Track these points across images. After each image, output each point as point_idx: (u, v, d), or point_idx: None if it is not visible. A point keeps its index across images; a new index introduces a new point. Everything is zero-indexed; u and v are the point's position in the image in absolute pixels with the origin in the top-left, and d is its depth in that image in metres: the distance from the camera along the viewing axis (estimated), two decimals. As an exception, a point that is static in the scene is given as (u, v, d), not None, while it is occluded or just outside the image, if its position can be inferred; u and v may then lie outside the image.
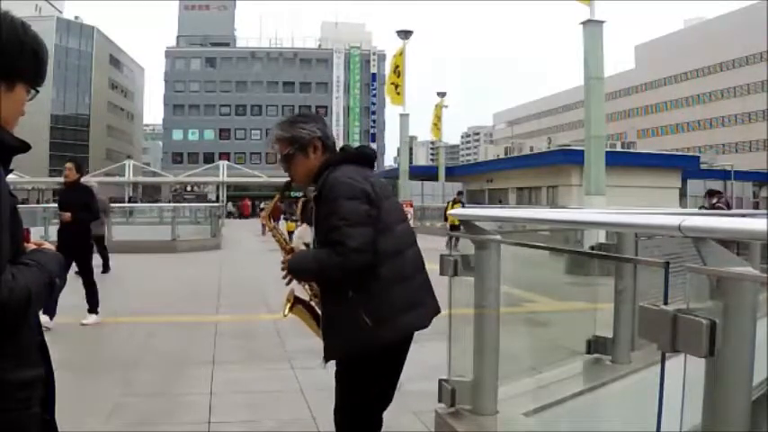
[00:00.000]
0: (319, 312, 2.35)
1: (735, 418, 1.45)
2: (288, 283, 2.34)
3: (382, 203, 2.20)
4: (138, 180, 59.18)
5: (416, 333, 2.28)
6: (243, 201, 51.88)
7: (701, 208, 12.80)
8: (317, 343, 2.30)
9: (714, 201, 12.36)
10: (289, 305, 2.47)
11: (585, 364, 3.65)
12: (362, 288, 2.12)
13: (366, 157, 2.32)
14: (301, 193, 12.59)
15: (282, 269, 2.29)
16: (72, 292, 5.09)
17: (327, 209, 2.13)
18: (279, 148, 2.33)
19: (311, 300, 2.44)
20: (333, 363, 2.29)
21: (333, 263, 2.08)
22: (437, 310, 2.34)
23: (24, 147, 1.22)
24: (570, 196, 26.89)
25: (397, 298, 2.16)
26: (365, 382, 2.24)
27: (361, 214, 2.10)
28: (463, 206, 16.13)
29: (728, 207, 11.74)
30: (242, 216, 47.13)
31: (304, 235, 10.80)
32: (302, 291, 2.47)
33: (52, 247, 1.31)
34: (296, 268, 2.25)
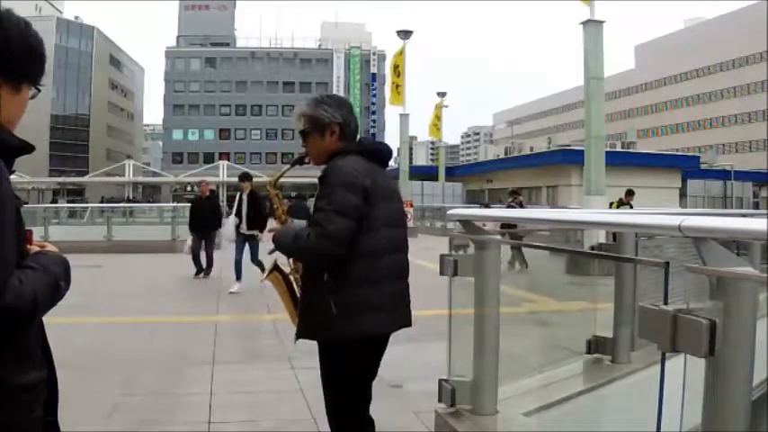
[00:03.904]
0: (295, 288, 2.48)
1: (735, 418, 1.45)
2: (270, 252, 2.40)
3: (378, 204, 2.19)
4: (138, 180, 59.12)
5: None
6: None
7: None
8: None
9: (510, 200, 13.22)
10: (267, 271, 2.61)
11: (585, 364, 3.65)
12: (335, 277, 2.15)
13: (380, 153, 2.34)
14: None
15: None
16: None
17: (323, 192, 2.18)
18: (301, 122, 2.37)
19: (291, 274, 2.53)
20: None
21: (307, 243, 2.13)
22: (406, 323, 2.30)
23: (28, 148, 1.21)
24: (570, 196, 26.92)
25: (366, 297, 2.15)
26: (340, 373, 2.24)
27: (349, 206, 2.12)
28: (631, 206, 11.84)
29: (521, 206, 12.52)
30: None
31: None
32: (286, 264, 2.55)
33: (55, 249, 1.29)
34: (276, 239, 2.32)
